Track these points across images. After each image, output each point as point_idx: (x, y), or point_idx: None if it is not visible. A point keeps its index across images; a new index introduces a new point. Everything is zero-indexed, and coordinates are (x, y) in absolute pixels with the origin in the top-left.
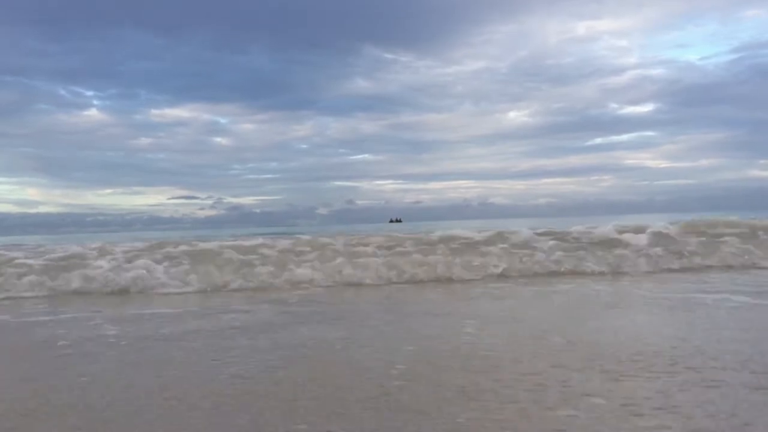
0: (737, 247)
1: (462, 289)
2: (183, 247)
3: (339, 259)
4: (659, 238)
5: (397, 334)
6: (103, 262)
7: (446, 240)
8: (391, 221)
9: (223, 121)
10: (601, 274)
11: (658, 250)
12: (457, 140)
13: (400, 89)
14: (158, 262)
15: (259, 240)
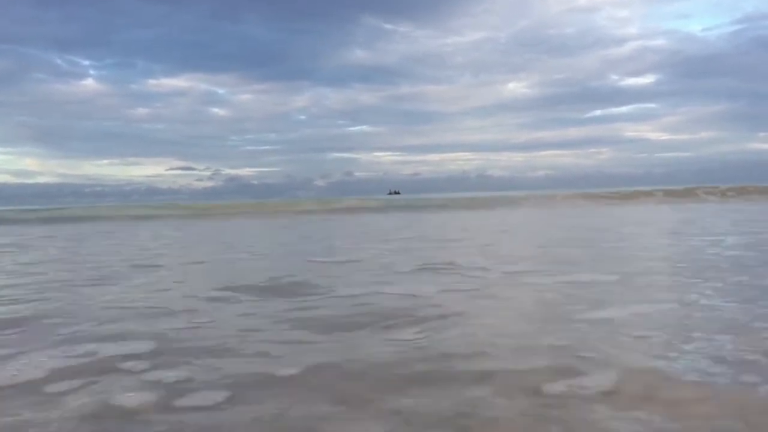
0: None
1: None
2: None
3: None
4: None
5: None
6: None
7: None
8: (390, 193)
9: (220, 91)
10: None
11: None
12: (456, 112)
13: (399, 60)
14: None
15: None
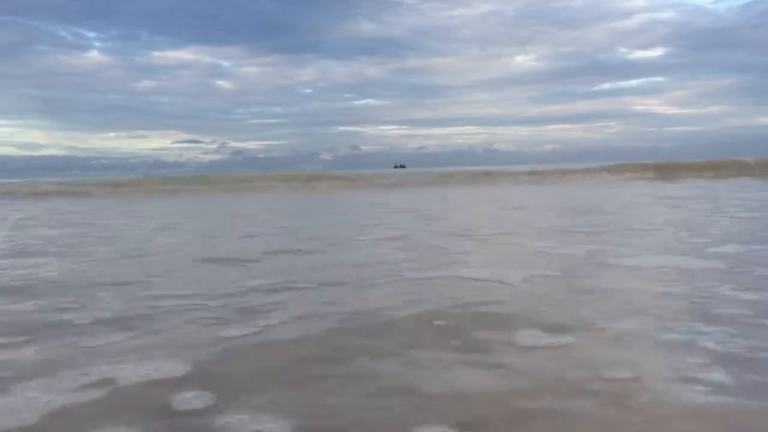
0: None
1: None
2: None
3: None
4: None
5: None
6: None
7: None
8: (396, 167)
9: (225, 63)
10: None
11: None
12: (463, 85)
13: (406, 32)
14: None
15: None
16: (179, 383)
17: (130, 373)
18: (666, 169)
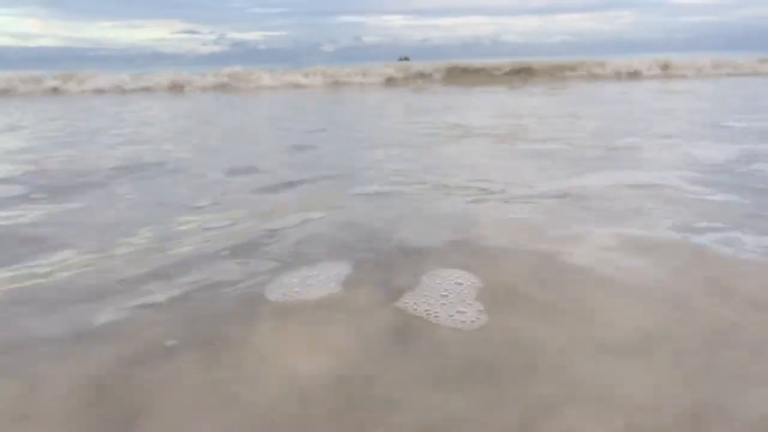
0: None
1: None
2: None
3: None
4: None
5: None
6: None
7: None
8: (400, 59)
9: None
10: None
11: None
12: None
13: None
14: None
15: None
16: None
17: None
18: None
